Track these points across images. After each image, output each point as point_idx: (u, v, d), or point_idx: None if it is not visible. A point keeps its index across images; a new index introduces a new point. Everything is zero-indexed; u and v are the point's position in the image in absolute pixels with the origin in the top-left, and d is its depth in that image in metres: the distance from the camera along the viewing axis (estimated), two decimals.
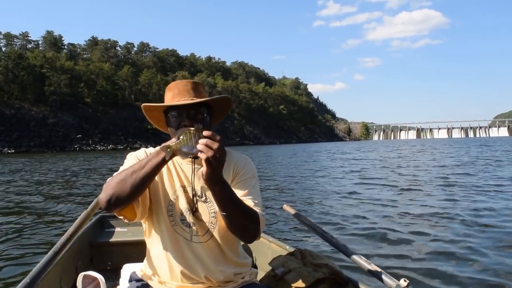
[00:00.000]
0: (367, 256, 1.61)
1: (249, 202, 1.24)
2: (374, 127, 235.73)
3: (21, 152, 55.08)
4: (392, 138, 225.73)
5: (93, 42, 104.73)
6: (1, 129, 62.67)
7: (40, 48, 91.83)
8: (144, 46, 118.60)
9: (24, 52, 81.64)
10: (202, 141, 1.02)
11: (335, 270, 1.56)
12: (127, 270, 1.69)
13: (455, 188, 8.59)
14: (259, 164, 18.83)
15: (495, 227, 4.76)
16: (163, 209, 1.28)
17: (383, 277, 1.38)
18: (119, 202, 1.13)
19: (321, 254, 1.74)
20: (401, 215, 5.75)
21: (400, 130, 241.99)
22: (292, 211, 2.15)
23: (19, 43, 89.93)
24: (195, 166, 1.28)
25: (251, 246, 2.20)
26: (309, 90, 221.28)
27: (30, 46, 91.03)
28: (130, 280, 1.41)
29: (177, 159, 1.30)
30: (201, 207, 1.29)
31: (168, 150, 1.08)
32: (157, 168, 1.13)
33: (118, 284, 1.78)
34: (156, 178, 1.25)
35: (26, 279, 1.28)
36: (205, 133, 1.03)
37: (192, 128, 1.06)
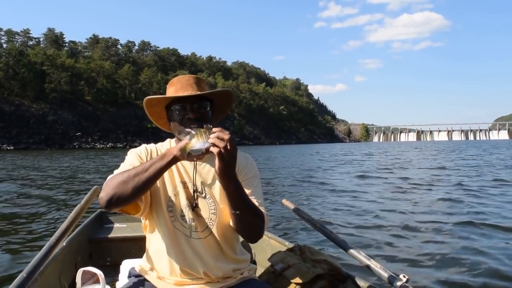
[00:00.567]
0: (366, 252, 1.60)
1: (253, 202, 1.24)
2: (374, 128, 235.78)
3: (20, 149, 55.07)
4: (392, 140, 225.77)
5: (94, 40, 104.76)
6: (1, 125, 62.67)
7: (41, 45, 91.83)
8: (145, 45, 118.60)
9: (25, 49, 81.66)
10: (213, 134, 1.04)
11: (334, 266, 1.56)
12: (126, 265, 1.70)
13: (456, 189, 8.62)
14: (259, 165, 18.81)
15: (495, 228, 4.79)
16: (163, 205, 1.28)
17: (382, 272, 1.39)
18: (120, 202, 1.13)
19: (320, 250, 1.74)
20: (401, 215, 5.78)
21: (400, 132, 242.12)
22: (292, 206, 2.15)
23: (20, 40, 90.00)
24: (197, 162, 1.29)
25: None
26: (310, 91, 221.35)
27: (31, 43, 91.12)
28: (129, 276, 1.41)
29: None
30: (201, 203, 1.29)
31: (183, 150, 1.08)
32: (160, 172, 1.12)
33: (117, 280, 1.78)
34: None
35: (23, 274, 1.28)
36: (215, 129, 1.05)
37: (203, 128, 1.07)
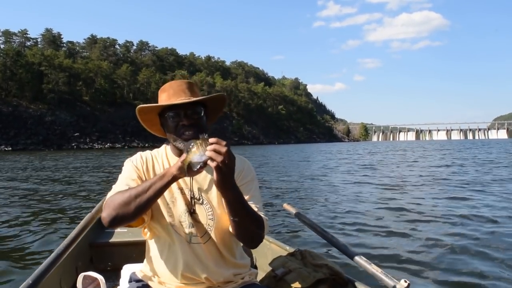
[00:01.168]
0: (368, 256, 1.60)
1: (252, 207, 1.24)
2: (373, 128, 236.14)
3: (18, 150, 54.90)
4: (391, 139, 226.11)
5: (92, 40, 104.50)
6: None
7: (39, 45, 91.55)
8: (143, 45, 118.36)
9: (23, 50, 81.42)
10: (210, 147, 1.03)
11: (335, 270, 1.56)
12: (127, 270, 1.69)
13: (456, 188, 8.62)
14: (258, 166, 18.81)
15: (495, 229, 4.79)
16: (161, 212, 1.29)
17: (384, 277, 1.38)
18: (123, 222, 1.17)
19: (321, 254, 1.74)
20: (401, 215, 5.78)
21: (399, 131, 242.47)
22: (293, 210, 2.15)
23: (17, 40, 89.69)
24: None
25: None
26: (309, 90, 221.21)
27: (28, 43, 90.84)
28: (130, 281, 1.41)
29: (174, 161, 1.30)
30: (199, 209, 1.29)
31: (182, 168, 1.09)
32: (160, 192, 1.14)
33: (118, 285, 1.78)
34: None
35: (28, 281, 1.28)
36: (211, 140, 1.03)
37: (199, 140, 1.06)
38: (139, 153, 1.36)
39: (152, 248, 1.34)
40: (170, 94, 1.28)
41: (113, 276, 2.08)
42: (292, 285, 1.52)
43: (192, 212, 1.29)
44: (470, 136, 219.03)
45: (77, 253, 2.12)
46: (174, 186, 1.29)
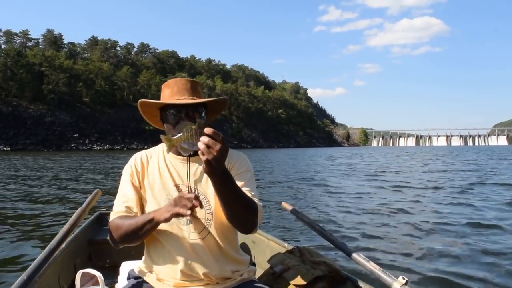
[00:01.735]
0: (366, 254, 1.61)
1: (246, 193, 1.24)
2: (373, 133, 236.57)
3: (17, 150, 54.84)
4: (391, 144, 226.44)
5: (93, 42, 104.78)
6: None
7: (40, 46, 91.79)
8: (144, 47, 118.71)
9: (24, 50, 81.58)
10: (203, 139, 0.98)
11: (334, 267, 1.56)
12: (126, 267, 1.70)
13: (456, 192, 8.65)
14: (259, 167, 18.81)
15: (495, 229, 4.84)
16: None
17: (382, 274, 1.39)
18: (130, 245, 1.29)
19: (320, 251, 1.75)
20: (400, 216, 5.83)
21: (399, 137, 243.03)
22: (291, 208, 2.15)
23: (19, 40, 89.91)
24: (190, 164, 1.31)
25: (249, 244, 2.21)
26: (309, 94, 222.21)
27: (30, 44, 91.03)
28: (129, 278, 1.42)
29: (170, 158, 1.34)
30: None
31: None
32: (158, 225, 1.21)
33: (116, 282, 1.79)
34: (151, 178, 1.32)
35: (23, 276, 1.27)
36: (207, 130, 0.99)
37: (194, 124, 1.02)
38: (134, 156, 1.38)
39: (151, 245, 1.34)
40: (174, 91, 1.30)
41: (111, 273, 2.08)
42: (291, 282, 1.53)
43: None
44: (470, 142, 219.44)
45: (75, 250, 2.12)
46: (170, 183, 1.31)
